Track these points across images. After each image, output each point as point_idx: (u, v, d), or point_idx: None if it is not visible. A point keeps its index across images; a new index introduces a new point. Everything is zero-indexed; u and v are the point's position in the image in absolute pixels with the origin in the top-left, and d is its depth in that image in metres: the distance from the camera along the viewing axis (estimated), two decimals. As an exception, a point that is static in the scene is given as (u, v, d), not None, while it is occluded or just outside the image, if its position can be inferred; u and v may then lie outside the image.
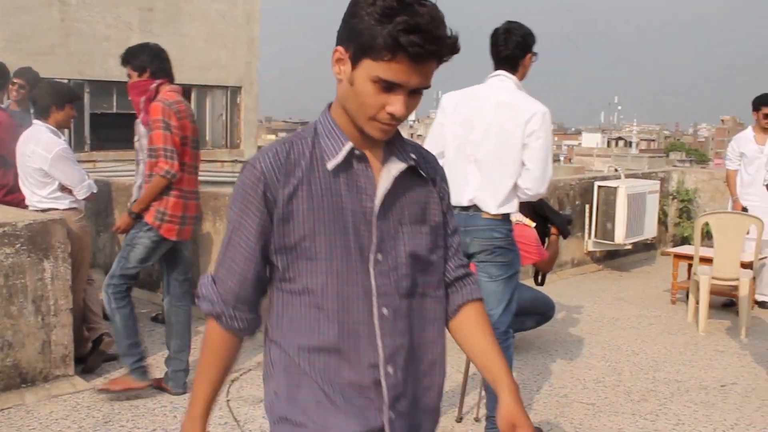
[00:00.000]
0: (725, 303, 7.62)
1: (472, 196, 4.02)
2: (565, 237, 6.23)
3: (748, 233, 6.88)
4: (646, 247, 10.06)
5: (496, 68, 4.08)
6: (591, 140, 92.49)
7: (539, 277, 6.14)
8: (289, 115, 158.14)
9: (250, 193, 1.80)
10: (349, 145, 1.81)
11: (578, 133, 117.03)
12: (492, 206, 4.00)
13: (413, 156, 1.91)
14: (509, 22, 4.06)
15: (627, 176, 9.89)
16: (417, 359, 1.92)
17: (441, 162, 4.24)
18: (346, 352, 1.83)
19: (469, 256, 4.08)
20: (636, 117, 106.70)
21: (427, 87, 1.75)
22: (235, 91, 22.20)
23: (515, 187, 4.01)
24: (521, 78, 4.08)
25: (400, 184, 1.87)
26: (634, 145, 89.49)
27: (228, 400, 4.86)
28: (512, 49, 4.00)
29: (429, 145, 4.16)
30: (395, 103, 1.72)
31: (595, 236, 9.07)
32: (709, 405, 5.03)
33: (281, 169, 1.79)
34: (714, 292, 7.09)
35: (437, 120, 4.22)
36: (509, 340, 4.18)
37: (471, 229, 4.02)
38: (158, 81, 4.78)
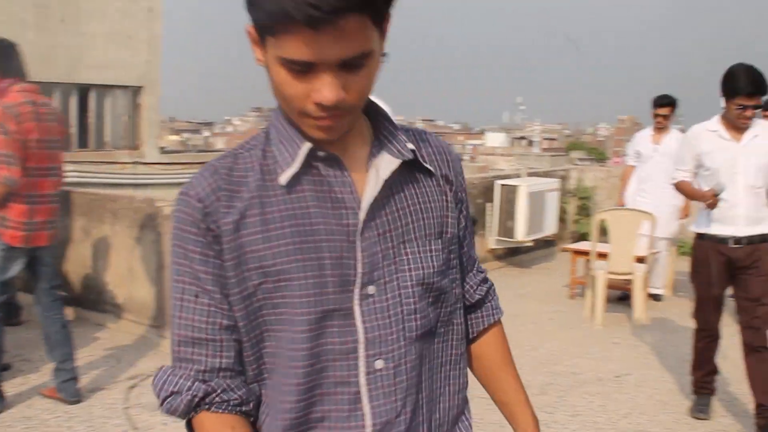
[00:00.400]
0: (620, 296, 7.87)
1: None
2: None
3: (642, 229, 7.14)
4: (546, 244, 10.30)
5: None
6: (495, 139, 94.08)
7: None
8: (193, 115, 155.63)
9: (190, 230, 1.31)
10: (306, 147, 1.32)
11: (482, 132, 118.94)
12: None
13: (410, 146, 1.40)
14: None
15: (528, 175, 10.10)
16: (433, 423, 1.45)
17: None
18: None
19: None
20: (539, 117, 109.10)
21: (368, 54, 1.23)
22: (137, 90, 21.74)
23: None
24: None
25: (395, 187, 1.39)
26: (536, 144, 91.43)
27: (126, 408, 4.76)
28: None
29: None
30: (321, 89, 1.21)
31: (497, 234, 9.23)
32: (605, 395, 5.18)
33: (223, 191, 1.32)
34: (610, 286, 7.32)
35: None
36: None
37: None
38: (8, 80, 4.52)
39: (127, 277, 6.46)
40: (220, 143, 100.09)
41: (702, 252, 4.74)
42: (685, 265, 9.68)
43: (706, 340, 4.90)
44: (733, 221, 4.52)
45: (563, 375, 5.58)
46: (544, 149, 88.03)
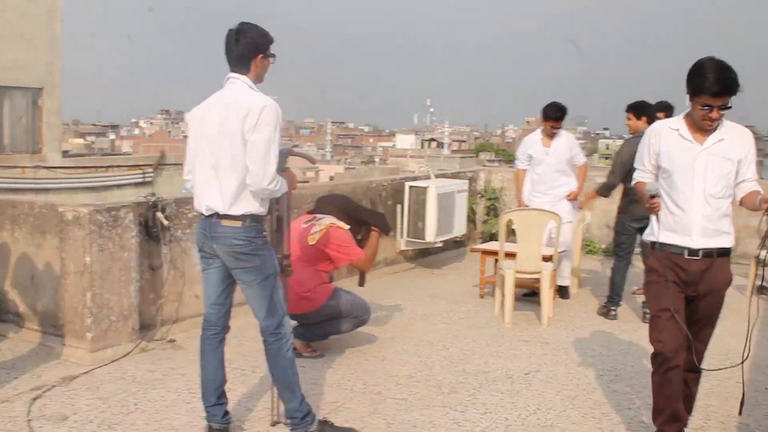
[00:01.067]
0: (526, 293, 8.02)
1: (209, 203, 4.11)
2: (386, 233, 6.37)
3: (548, 228, 7.29)
4: (456, 244, 10.41)
5: (231, 69, 4.15)
6: (405, 141, 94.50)
7: (360, 278, 6.24)
8: (98, 117, 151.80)
9: None
10: None
11: (392, 134, 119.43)
12: (224, 208, 4.07)
13: None
14: (242, 23, 4.14)
15: (437, 176, 10.19)
16: None
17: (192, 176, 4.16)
18: None
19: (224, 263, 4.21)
20: (448, 119, 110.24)
21: None
22: (36, 92, 21.09)
23: (245, 185, 4.06)
24: (255, 79, 4.16)
25: None
26: (446, 146, 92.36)
27: (29, 420, 4.60)
28: (242, 49, 4.09)
29: (186, 161, 4.28)
30: None
31: (407, 235, 9.28)
32: (514, 393, 5.26)
33: None
34: (519, 285, 7.45)
35: (188, 139, 4.29)
36: (282, 341, 4.25)
37: (214, 236, 4.13)
38: None
39: (29, 286, 6.24)
40: (126, 146, 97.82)
41: (655, 262, 4.20)
42: (590, 263, 9.96)
43: (663, 368, 4.11)
44: (688, 231, 4.05)
45: (474, 374, 5.64)
46: (454, 151, 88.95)
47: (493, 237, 10.48)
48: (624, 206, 7.37)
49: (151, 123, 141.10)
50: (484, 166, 25.60)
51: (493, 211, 11.22)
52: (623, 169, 7.15)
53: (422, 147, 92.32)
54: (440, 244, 9.54)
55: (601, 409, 5.00)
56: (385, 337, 6.52)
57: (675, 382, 4.12)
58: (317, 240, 5.72)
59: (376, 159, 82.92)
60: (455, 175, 10.78)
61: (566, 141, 8.07)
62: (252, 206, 4.08)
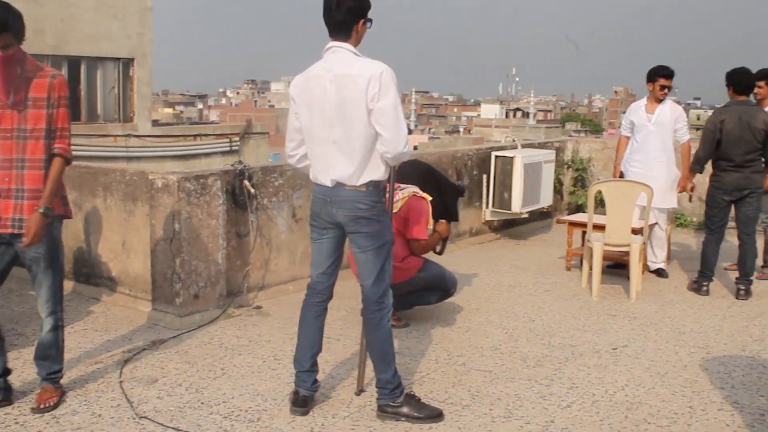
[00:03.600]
0: (610, 265, 7.83)
1: (335, 176, 4.07)
2: (454, 219, 6.26)
3: (639, 200, 7.09)
4: (542, 215, 10.25)
5: (331, 36, 4.07)
6: (490, 111, 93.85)
7: (438, 247, 6.14)
8: (186, 87, 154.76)
9: None
10: None
11: (477, 104, 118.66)
12: (353, 178, 4.04)
13: None
14: None
15: (523, 146, 10.04)
16: None
17: (301, 150, 4.18)
18: None
19: (339, 226, 4.17)
20: (533, 88, 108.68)
21: None
22: (128, 63, 21.54)
23: (374, 154, 4.03)
24: (356, 44, 4.08)
25: None
26: (531, 116, 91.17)
27: (121, 381, 4.72)
28: (344, 15, 4.01)
29: (288, 136, 4.24)
30: None
31: (493, 206, 9.18)
32: (602, 368, 5.16)
33: None
34: (607, 257, 7.28)
35: (291, 111, 4.23)
36: (384, 311, 4.24)
37: (336, 200, 4.09)
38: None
39: (121, 251, 6.40)
40: (213, 116, 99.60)
41: None
42: (681, 236, 9.69)
43: None
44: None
45: (560, 347, 5.55)
46: (539, 121, 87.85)
47: (580, 208, 10.29)
48: (715, 178, 7.10)
49: (238, 93, 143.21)
50: (570, 136, 25.14)
51: (580, 182, 11.00)
52: (713, 139, 6.89)
53: (507, 117, 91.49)
54: (526, 215, 9.41)
55: (692, 387, 4.86)
56: (470, 308, 6.47)
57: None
58: (399, 208, 5.68)
59: (461, 129, 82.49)
60: (542, 145, 10.60)
61: (672, 110, 7.76)
62: (377, 173, 4.07)
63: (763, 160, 6.92)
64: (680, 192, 7.71)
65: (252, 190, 6.30)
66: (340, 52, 4.04)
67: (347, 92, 3.94)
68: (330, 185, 4.09)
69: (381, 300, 4.21)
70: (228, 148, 22.15)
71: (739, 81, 6.96)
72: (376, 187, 4.09)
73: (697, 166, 7.25)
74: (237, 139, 22.68)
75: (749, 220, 7.03)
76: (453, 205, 6.19)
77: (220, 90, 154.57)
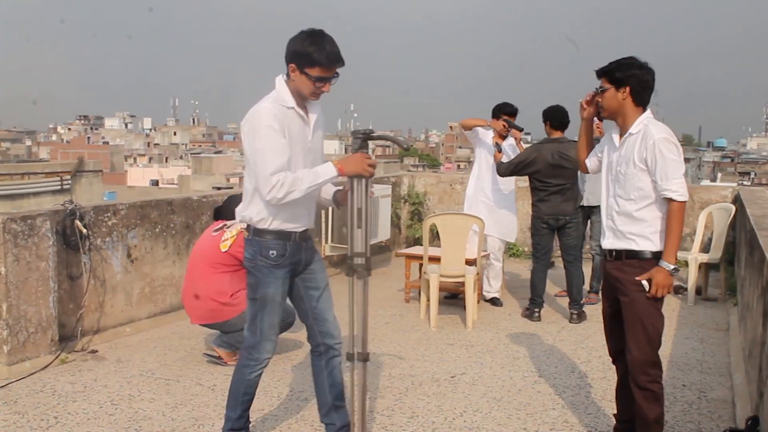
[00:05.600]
0: (447, 296, 8.09)
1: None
2: None
3: (472, 232, 7.36)
4: (381, 249, 10.44)
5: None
6: (329, 147, 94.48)
7: None
8: (14, 123, 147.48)
9: None
10: None
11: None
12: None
13: None
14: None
15: (361, 181, 10.16)
16: None
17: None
18: None
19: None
20: (371, 124, 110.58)
21: None
22: (-52, 98, 20.39)
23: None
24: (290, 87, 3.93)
25: None
26: (370, 151, 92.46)
27: None
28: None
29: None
30: None
31: (332, 241, 9.27)
32: (441, 395, 5.30)
33: None
34: (443, 288, 7.51)
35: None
36: (248, 361, 4.21)
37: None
38: None
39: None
40: (43, 153, 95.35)
41: None
42: (514, 266, 10.10)
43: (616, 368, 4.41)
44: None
45: (400, 378, 5.66)
46: (378, 156, 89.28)
47: (417, 241, 10.55)
48: (534, 208, 7.49)
49: (69, 129, 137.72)
50: (408, 171, 25.74)
51: (417, 216, 11.29)
52: (522, 162, 7.32)
53: (346, 152, 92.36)
54: (365, 249, 9.52)
55: (526, 410, 5.07)
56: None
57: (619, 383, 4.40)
58: (229, 246, 5.68)
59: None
60: (379, 180, 10.82)
61: (514, 146, 8.08)
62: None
63: (575, 189, 7.39)
64: None
65: (84, 230, 6.11)
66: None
67: None
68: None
69: (251, 351, 4.18)
70: (59, 187, 21.30)
71: (555, 117, 7.43)
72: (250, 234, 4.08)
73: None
74: (68, 177, 21.85)
75: (570, 248, 7.46)
76: None
77: (51, 126, 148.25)
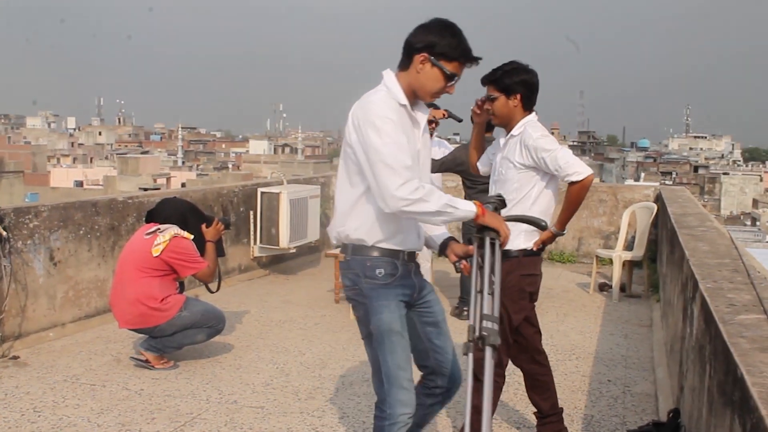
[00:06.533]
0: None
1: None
2: (221, 254, 6.28)
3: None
4: (310, 250, 10.41)
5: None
6: (258, 147, 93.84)
7: (218, 284, 6.20)
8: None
9: None
10: None
11: (246, 140, 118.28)
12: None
13: None
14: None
15: (289, 182, 10.16)
16: None
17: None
18: None
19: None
20: (300, 124, 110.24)
21: None
22: None
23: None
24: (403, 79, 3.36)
25: None
26: (299, 151, 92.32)
27: None
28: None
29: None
30: None
31: (261, 242, 9.22)
32: (371, 395, 5.30)
33: None
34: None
35: None
36: (384, 423, 3.44)
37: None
38: None
39: None
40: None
41: None
42: (443, 265, 10.17)
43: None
44: None
45: (331, 378, 5.65)
46: (308, 156, 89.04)
47: (347, 242, 10.51)
48: None
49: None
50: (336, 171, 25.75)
51: (347, 216, 11.27)
52: (449, 162, 7.38)
53: (276, 153, 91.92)
54: (294, 250, 9.52)
55: (456, 407, 5.12)
56: (240, 345, 6.44)
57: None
58: (161, 251, 5.61)
59: (230, 165, 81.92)
60: (308, 181, 10.80)
61: (441, 149, 8.09)
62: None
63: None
64: None
65: (4, 233, 5.94)
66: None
67: None
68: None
69: (381, 405, 3.44)
70: (-22, 189, 20.69)
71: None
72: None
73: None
74: (-12, 178, 21.24)
75: None
76: (218, 240, 6.19)
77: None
